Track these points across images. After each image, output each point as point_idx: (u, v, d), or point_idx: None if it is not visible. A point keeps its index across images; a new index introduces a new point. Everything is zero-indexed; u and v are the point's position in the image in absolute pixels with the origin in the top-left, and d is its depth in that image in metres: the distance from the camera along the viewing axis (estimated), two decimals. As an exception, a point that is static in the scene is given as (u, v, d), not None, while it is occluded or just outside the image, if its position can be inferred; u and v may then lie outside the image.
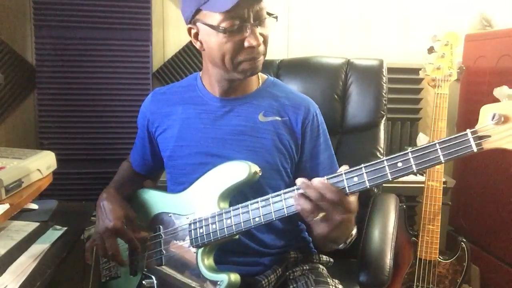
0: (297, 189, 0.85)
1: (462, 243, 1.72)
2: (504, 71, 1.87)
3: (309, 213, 0.82)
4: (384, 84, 1.50)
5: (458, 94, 2.17)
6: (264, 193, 0.95)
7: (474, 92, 2.07)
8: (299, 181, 0.83)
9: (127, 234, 1.04)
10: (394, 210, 1.37)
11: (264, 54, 1.01)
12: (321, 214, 0.83)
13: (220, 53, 0.96)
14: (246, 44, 0.94)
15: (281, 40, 2.10)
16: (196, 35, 1.01)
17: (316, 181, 0.81)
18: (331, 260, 1.19)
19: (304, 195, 0.82)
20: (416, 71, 2.11)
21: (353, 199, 0.83)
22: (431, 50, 1.70)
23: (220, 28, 0.93)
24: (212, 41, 0.96)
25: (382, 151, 1.49)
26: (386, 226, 1.30)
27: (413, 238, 1.73)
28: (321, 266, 1.15)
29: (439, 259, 1.71)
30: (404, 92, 2.14)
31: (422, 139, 2.05)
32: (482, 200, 1.98)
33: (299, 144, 1.08)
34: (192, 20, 0.99)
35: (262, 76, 1.13)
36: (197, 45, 1.02)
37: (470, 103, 2.11)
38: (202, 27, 0.97)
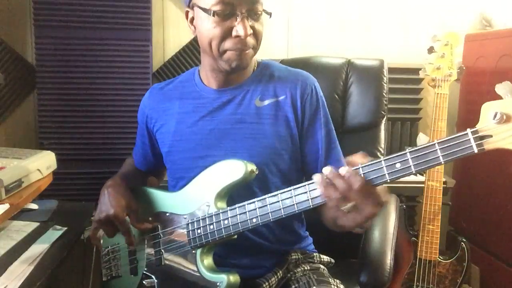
0: (303, 186, 0.85)
1: (462, 243, 1.72)
2: (504, 71, 1.87)
3: (336, 203, 0.80)
4: (385, 84, 1.50)
5: (458, 94, 2.17)
6: (267, 180, 0.94)
7: (474, 92, 2.07)
8: (326, 169, 0.80)
9: (125, 225, 1.03)
10: (394, 210, 1.37)
11: (254, 48, 1.00)
12: (349, 205, 0.80)
13: (208, 38, 0.97)
14: (233, 33, 0.94)
15: (281, 40, 2.10)
16: (192, 20, 1.02)
17: (344, 170, 0.78)
18: (332, 260, 1.18)
19: (333, 185, 0.79)
20: (416, 71, 2.10)
21: (382, 190, 0.81)
22: (431, 50, 1.70)
23: (210, 11, 0.93)
24: (203, 25, 0.97)
25: (382, 151, 1.49)
26: (386, 226, 1.30)
27: (413, 238, 1.73)
28: (322, 267, 1.14)
29: (439, 259, 1.71)
30: (404, 92, 2.14)
31: (422, 139, 2.05)
32: (482, 200, 1.98)
33: (299, 120, 1.06)
34: (190, 3, 1.00)
35: (257, 61, 1.12)
36: (192, 29, 1.03)
37: (470, 103, 2.11)
38: (197, 10, 0.98)
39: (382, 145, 1.49)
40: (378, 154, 1.48)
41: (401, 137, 2.19)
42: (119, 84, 1.85)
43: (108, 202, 1.03)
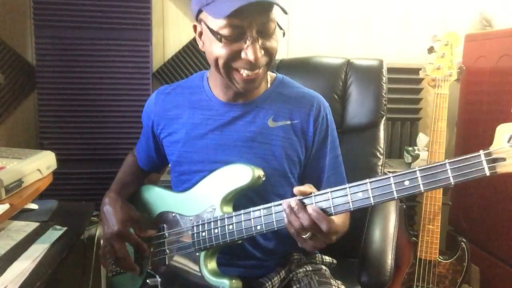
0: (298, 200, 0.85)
1: (462, 243, 1.72)
2: (504, 71, 1.87)
3: (297, 232, 0.83)
4: (384, 84, 1.50)
5: (458, 94, 2.17)
6: (270, 200, 0.94)
7: (474, 92, 2.07)
8: (293, 201, 0.83)
9: (132, 238, 1.04)
10: (394, 210, 1.37)
11: (267, 65, 0.97)
12: (309, 234, 0.83)
13: (215, 56, 0.93)
14: (243, 55, 0.91)
15: (281, 40, 2.09)
16: (200, 34, 0.99)
17: (311, 208, 0.81)
18: (334, 261, 1.18)
19: (295, 215, 0.82)
20: (416, 71, 2.10)
21: (334, 219, 0.84)
22: (431, 50, 1.70)
23: (218, 34, 0.90)
24: (211, 45, 0.93)
25: (382, 151, 1.49)
26: (387, 226, 1.30)
27: (413, 238, 1.73)
28: (324, 267, 1.15)
29: (439, 259, 1.71)
30: (404, 92, 2.14)
31: (422, 139, 2.05)
32: (482, 200, 1.98)
33: (309, 146, 1.05)
34: (197, 18, 0.97)
35: (271, 75, 1.10)
36: (200, 44, 1.00)
37: (470, 103, 2.11)
38: (204, 27, 0.94)
39: (382, 145, 1.49)
40: (378, 154, 1.48)
41: (401, 137, 2.19)
42: (119, 84, 1.85)
43: (109, 221, 1.04)
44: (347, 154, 1.43)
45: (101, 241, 1.09)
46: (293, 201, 0.83)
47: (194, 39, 2.03)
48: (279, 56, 1.60)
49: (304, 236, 0.83)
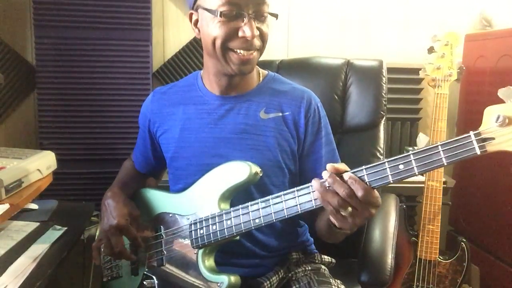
0: (308, 187, 0.84)
1: (462, 243, 1.72)
2: (504, 71, 1.87)
3: (336, 209, 0.79)
4: (384, 85, 1.50)
5: (458, 94, 2.17)
6: (268, 191, 0.95)
7: (474, 92, 2.07)
8: (326, 174, 0.79)
9: (131, 232, 1.04)
10: (394, 210, 1.37)
11: (260, 50, 1.00)
12: (349, 209, 0.78)
13: (212, 37, 0.95)
14: (240, 33, 0.94)
15: (281, 40, 2.10)
16: (196, 22, 1.01)
17: (347, 175, 0.78)
18: (333, 260, 1.19)
19: (332, 191, 0.78)
20: (416, 71, 2.11)
21: (378, 194, 0.80)
22: (431, 50, 1.70)
23: (217, 11, 0.93)
24: (208, 26, 0.96)
25: (382, 151, 1.49)
26: (387, 226, 1.30)
27: (413, 238, 1.73)
28: (323, 267, 1.15)
29: (439, 259, 1.72)
30: (404, 92, 2.14)
31: (422, 139, 2.05)
32: (482, 200, 1.98)
33: (301, 138, 1.07)
34: (194, 5, 1.00)
35: (263, 72, 1.13)
36: (195, 32, 1.02)
37: (470, 103, 2.11)
38: (201, 12, 0.97)
39: (382, 145, 1.49)
40: (378, 154, 1.48)
41: (401, 137, 2.19)
42: (119, 84, 1.85)
43: (110, 214, 1.05)
44: (347, 154, 1.43)
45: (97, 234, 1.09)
46: (326, 174, 0.79)
47: (194, 39, 2.05)
48: (279, 57, 1.62)
49: (343, 213, 0.79)
